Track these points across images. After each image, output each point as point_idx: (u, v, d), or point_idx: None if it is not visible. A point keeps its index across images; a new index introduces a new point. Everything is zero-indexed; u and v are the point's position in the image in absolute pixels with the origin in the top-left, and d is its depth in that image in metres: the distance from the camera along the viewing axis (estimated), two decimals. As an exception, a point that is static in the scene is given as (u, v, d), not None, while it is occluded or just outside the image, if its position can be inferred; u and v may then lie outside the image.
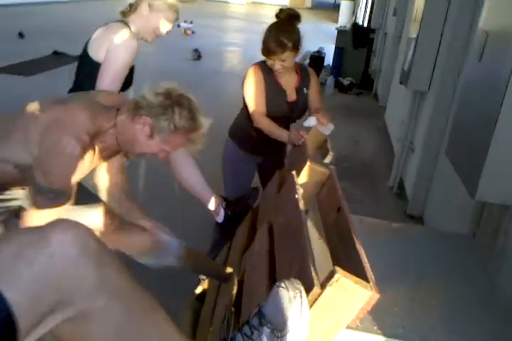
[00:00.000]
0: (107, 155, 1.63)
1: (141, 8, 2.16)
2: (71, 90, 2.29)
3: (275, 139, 2.42)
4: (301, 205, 1.37)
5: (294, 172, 1.62)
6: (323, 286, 0.99)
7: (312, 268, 1.11)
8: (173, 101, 1.48)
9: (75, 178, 1.47)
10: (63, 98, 1.63)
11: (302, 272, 1.15)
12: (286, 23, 2.32)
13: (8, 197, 1.62)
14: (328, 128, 2.20)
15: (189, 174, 2.24)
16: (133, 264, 1.31)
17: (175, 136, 1.50)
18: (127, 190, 1.80)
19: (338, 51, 7.91)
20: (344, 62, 7.80)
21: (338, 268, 0.98)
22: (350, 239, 1.22)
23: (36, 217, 1.43)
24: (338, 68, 7.80)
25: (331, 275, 0.97)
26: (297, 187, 1.51)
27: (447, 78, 3.26)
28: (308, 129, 2.21)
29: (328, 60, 8.26)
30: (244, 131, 2.53)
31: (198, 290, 2.45)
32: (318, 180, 1.60)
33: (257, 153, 2.60)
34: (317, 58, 7.87)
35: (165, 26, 2.22)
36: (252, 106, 2.38)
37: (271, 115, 2.38)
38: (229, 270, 1.76)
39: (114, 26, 2.15)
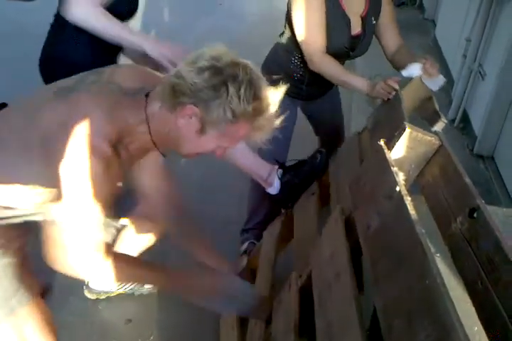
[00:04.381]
0: (139, 154, 1.18)
1: None
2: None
3: (328, 80, 1.84)
4: (413, 213, 0.86)
5: (382, 143, 1.09)
6: None
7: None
8: (225, 76, 0.99)
9: (106, 202, 1.05)
10: (67, 86, 1.11)
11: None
12: None
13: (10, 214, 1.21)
14: (437, 82, 1.62)
15: None
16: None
17: (235, 125, 1.03)
18: (178, 203, 1.40)
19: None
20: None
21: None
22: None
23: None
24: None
25: None
26: (394, 170, 0.99)
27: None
28: (405, 80, 1.62)
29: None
30: (284, 69, 1.89)
31: (243, 263, 2.05)
32: (422, 153, 1.07)
33: (300, 97, 1.97)
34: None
35: None
36: (307, 39, 1.71)
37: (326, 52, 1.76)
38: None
39: None
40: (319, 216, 1.58)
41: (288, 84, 1.91)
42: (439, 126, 1.47)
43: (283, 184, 1.77)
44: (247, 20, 5.46)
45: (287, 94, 1.97)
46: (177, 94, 1.02)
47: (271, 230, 1.90)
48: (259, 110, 1.05)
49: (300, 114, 2.11)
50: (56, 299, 1.90)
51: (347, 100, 2.89)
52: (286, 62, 1.87)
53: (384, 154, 1.03)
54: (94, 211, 1.03)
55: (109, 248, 1.11)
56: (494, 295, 0.81)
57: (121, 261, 1.14)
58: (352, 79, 1.70)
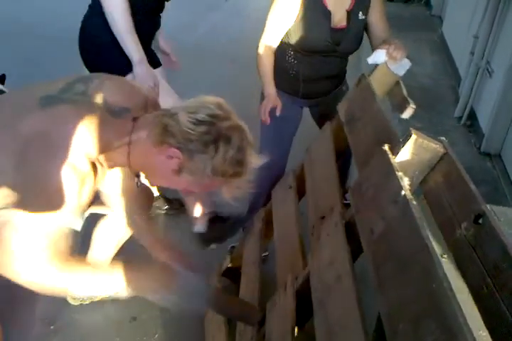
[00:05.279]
0: (113, 168, 1.18)
1: None
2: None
3: (325, 77, 1.88)
4: (418, 217, 0.85)
5: (386, 148, 1.08)
6: None
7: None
8: (219, 137, 1.02)
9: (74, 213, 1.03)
10: (53, 95, 1.08)
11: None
12: None
13: None
14: (402, 67, 1.60)
15: None
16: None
17: (210, 180, 1.07)
18: (144, 203, 1.43)
19: None
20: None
21: None
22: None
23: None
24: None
25: None
26: (399, 174, 0.99)
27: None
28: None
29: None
30: (280, 66, 1.91)
31: (226, 263, 2.03)
32: (426, 160, 1.06)
33: (299, 95, 1.99)
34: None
35: None
36: (266, 33, 1.81)
37: (307, 47, 1.79)
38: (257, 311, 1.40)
39: None
40: (298, 210, 1.60)
41: (288, 82, 1.95)
42: (408, 113, 1.44)
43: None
44: (252, 16, 5.44)
45: (286, 91, 2.00)
46: (167, 134, 1.04)
47: (251, 228, 1.89)
48: (238, 174, 1.07)
49: (304, 118, 2.11)
50: (61, 297, 1.91)
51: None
52: (281, 59, 1.90)
53: (389, 159, 1.03)
54: (58, 221, 0.99)
55: (68, 257, 1.04)
56: (500, 301, 0.81)
57: (80, 270, 1.07)
58: (266, 83, 1.83)
